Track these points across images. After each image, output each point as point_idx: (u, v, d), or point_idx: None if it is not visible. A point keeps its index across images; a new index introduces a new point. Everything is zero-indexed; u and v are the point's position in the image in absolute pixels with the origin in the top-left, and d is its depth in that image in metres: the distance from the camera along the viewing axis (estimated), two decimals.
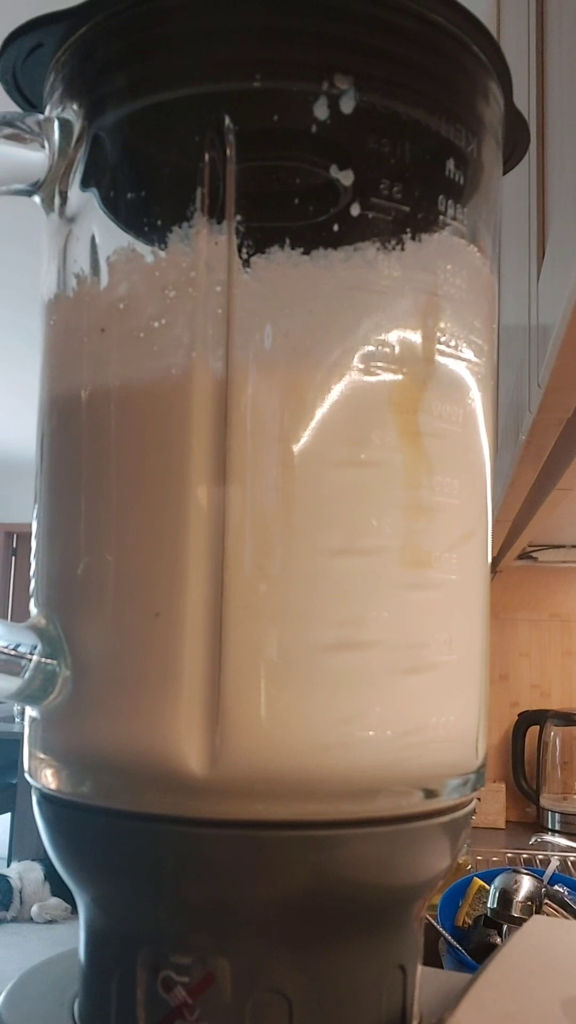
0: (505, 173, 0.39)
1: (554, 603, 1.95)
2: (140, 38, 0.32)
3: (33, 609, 0.34)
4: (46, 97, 0.35)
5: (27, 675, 0.31)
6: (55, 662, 0.31)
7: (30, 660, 0.31)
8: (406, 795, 0.31)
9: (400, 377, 0.31)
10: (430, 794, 0.31)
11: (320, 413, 0.30)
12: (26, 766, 0.34)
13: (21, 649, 0.31)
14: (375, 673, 0.30)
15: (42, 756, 0.33)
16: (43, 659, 0.31)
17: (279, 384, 0.30)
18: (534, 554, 1.60)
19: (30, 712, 0.33)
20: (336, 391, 0.30)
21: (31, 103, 0.36)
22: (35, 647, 0.31)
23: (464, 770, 0.33)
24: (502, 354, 0.83)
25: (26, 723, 0.34)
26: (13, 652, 0.31)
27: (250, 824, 0.29)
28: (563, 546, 1.58)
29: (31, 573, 0.35)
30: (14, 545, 6.78)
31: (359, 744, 0.29)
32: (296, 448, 0.29)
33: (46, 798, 0.33)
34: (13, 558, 6.79)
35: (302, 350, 0.30)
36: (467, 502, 0.33)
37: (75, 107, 0.33)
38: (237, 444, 0.29)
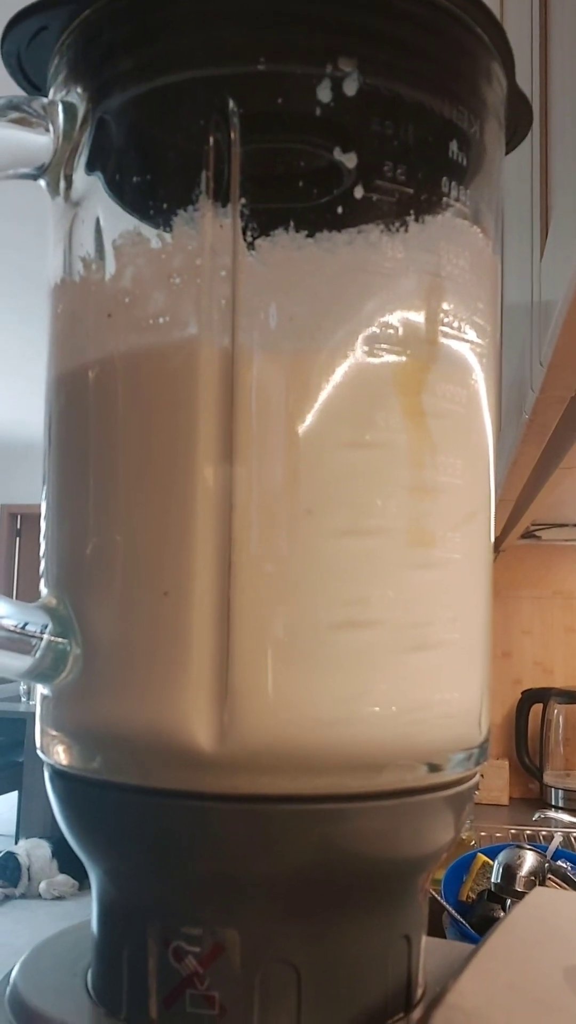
0: (508, 153, 0.39)
1: (557, 580, 1.95)
2: (144, 21, 0.33)
3: (43, 589, 0.34)
4: (50, 80, 0.35)
5: (38, 654, 0.31)
6: (66, 641, 0.31)
7: (41, 639, 0.31)
8: (411, 769, 0.31)
9: (404, 358, 0.31)
10: (434, 768, 0.32)
11: (325, 395, 0.30)
12: (38, 742, 0.34)
13: (32, 628, 0.31)
14: (380, 651, 0.30)
15: (54, 733, 0.33)
16: (54, 638, 0.31)
17: (284, 366, 0.30)
18: (537, 533, 1.60)
19: (42, 690, 0.34)
20: (341, 373, 0.30)
21: (35, 86, 0.36)
22: (46, 626, 0.31)
23: (468, 745, 0.33)
24: (504, 333, 0.83)
25: (38, 701, 0.35)
26: (24, 631, 0.31)
27: (258, 798, 0.30)
28: (566, 524, 1.58)
29: (41, 553, 0.35)
30: (18, 526, 6.80)
31: (364, 720, 0.30)
32: (301, 429, 0.30)
33: (58, 774, 0.33)
34: (18, 539, 6.81)
35: (307, 332, 0.31)
36: (471, 482, 0.33)
37: (79, 90, 0.33)
38: (243, 426, 0.30)
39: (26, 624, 0.31)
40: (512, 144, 0.39)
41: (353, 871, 0.31)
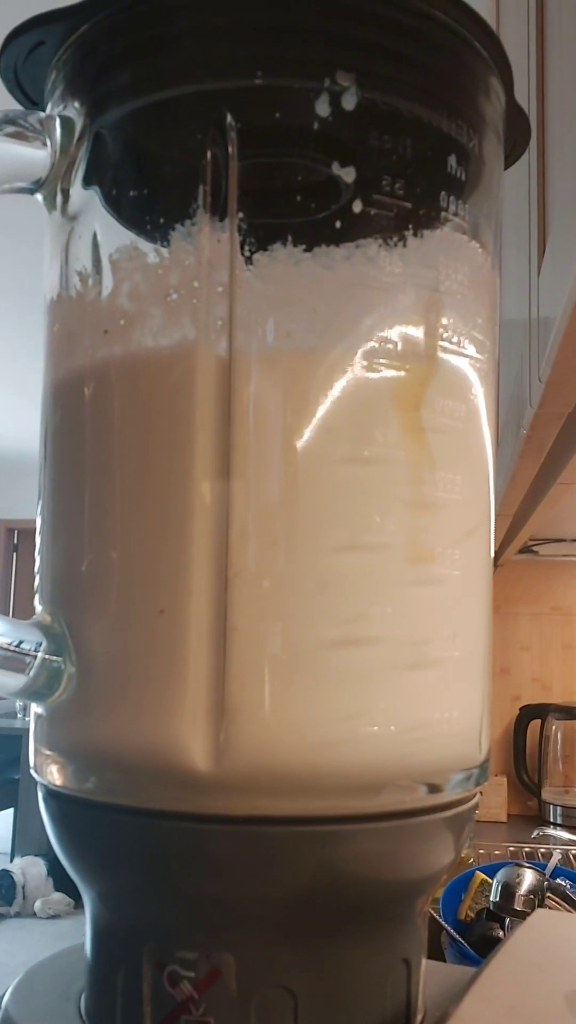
0: (506, 168, 0.39)
1: (555, 597, 1.95)
2: (142, 36, 0.32)
3: (38, 606, 0.34)
4: (47, 95, 0.35)
5: (32, 672, 0.31)
6: (60, 659, 0.31)
7: (35, 657, 0.31)
8: (410, 790, 0.31)
9: (403, 373, 0.31)
10: (434, 789, 0.31)
11: (323, 410, 0.30)
12: (32, 762, 0.34)
13: (26, 646, 0.31)
14: (379, 669, 0.30)
15: (48, 752, 0.33)
16: (48, 656, 0.31)
17: (282, 381, 0.30)
18: (535, 548, 1.60)
19: (36, 709, 0.33)
20: (339, 388, 0.30)
21: (32, 100, 0.36)
22: (40, 644, 0.31)
23: (468, 765, 0.33)
24: (503, 347, 0.83)
25: (31, 720, 0.34)
26: (18, 649, 0.31)
27: (255, 820, 0.29)
28: (564, 540, 1.58)
29: (35, 569, 0.35)
30: (15, 541, 6.78)
31: (363, 740, 0.29)
32: (299, 445, 0.29)
33: (52, 794, 0.33)
34: (14, 554, 6.79)
35: (305, 347, 0.30)
36: (470, 498, 0.33)
37: (76, 105, 0.33)
38: (240, 442, 0.29)
39: (21, 642, 0.31)
40: (511, 159, 0.39)
41: (351, 894, 0.30)
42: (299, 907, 0.30)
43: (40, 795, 0.34)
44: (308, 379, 0.30)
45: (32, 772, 0.34)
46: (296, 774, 0.29)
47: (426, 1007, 0.34)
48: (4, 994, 0.35)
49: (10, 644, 0.31)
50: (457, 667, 0.32)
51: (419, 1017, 0.33)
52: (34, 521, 0.35)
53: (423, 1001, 0.34)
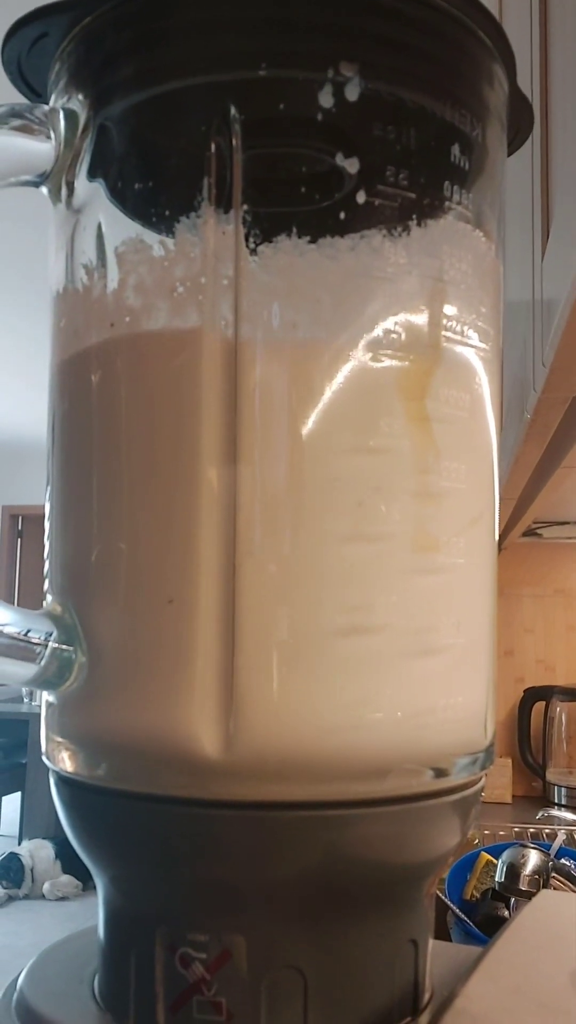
0: (509, 155, 0.39)
1: (559, 578, 1.95)
2: (145, 28, 0.32)
3: (48, 596, 0.34)
4: (51, 86, 0.35)
5: (43, 661, 0.31)
6: (71, 648, 0.31)
7: (46, 647, 0.31)
8: (416, 774, 0.31)
9: (407, 363, 0.31)
10: (440, 773, 0.32)
11: (328, 401, 0.30)
12: (43, 749, 0.34)
13: (36, 636, 0.31)
14: (385, 657, 0.30)
15: (59, 739, 0.33)
16: (59, 645, 0.31)
17: (288, 372, 0.30)
18: (539, 531, 1.60)
19: (47, 697, 0.34)
20: (344, 379, 0.30)
21: (36, 92, 0.36)
22: (51, 634, 0.31)
23: (473, 749, 0.33)
24: (507, 330, 0.83)
25: (43, 707, 0.35)
26: (26, 638, 0.31)
27: (263, 805, 0.30)
28: (568, 522, 1.58)
29: (45, 555, 0.35)
30: (20, 527, 6.80)
31: (370, 726, 0.30)
32: (305, 436, 0.30)
33: (63, 780, 0.33)
34: (19, 540, 6.81)
35: (310, 338, 0.31)
36: (474, 486, 0.33)
37: (80, 97, 0.33)
38: (247, 433, 0.30)
39: (29, 631, 0.31)
40: (514, 146, 0.39)
41: (359, 877, 0.31)
42: (308, 890, 0.30)
43: (52, 781, 0.34)
44: (313, 370, 0.30)
45: (44, 759, 0.34)
46: (304, 760, 0.29)
47: (433, 986, 0.34)
48: (18, 976, 0.36)
49: (19, 633, 0.31)
50: (462, 654, 0.33)
51: (426, 996, 0.34)
52: (39, 507, 0.36)
53: (430, 981, 0.34)
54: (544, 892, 0.38)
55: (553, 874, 1.09)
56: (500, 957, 0.32)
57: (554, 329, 0.53)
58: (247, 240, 0.30)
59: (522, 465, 0.92)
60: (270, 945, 0.30)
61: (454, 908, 1.13)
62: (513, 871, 1.05)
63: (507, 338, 0.84)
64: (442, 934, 1.13)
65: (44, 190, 0.34)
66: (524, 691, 1.90)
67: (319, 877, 0.30)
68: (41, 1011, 0.33)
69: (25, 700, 4.54)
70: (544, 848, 1.12)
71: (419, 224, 0.32)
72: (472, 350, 0.33)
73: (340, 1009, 0.31)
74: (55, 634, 0.31)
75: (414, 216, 0.32)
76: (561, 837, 1.26)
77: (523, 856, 1.07)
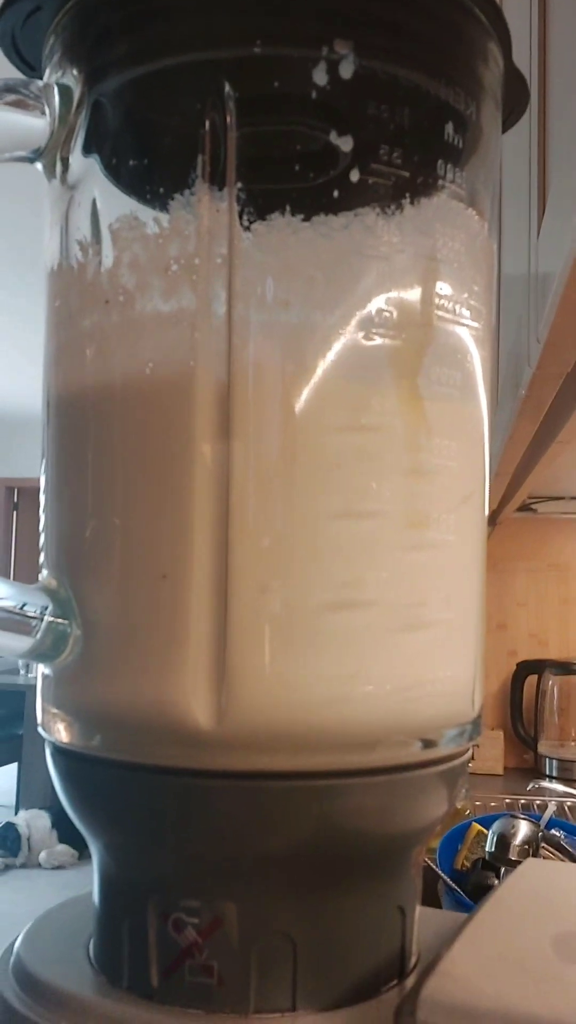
0: (504, 132, 0.39)
1: (552, 553, 1.96)
2: (140, 4, 0.32)
3: (43, 570, 0.34)
4: (44, 61, 0.35)
5: (39, 635, 0.32)
6: (66, 622, 0.32)
7: (41, 620, 0.32)
8: (405, 745, 0.32)
9: (400, 342, 0.32)
10: (428, 744, 0.32)
11: (321, 378, 0.30)
12: (39, 719, 0.35)
13: (32, 609, 0.32)
14: (375, 631, 0.31)
15: (55, 711, 0.34)
16: (54, 619, 0.32)
17: (280, 350, 0.30)
18: (533, 506, 1.61)
19: (43, 669, 0.34)
20: (336, 357, 0.31)
21: (31, 67, 0.36)
22: (46, 607, 0.32)
23: (461, 721, 0.34)
24: (503, 305, 0.83)
25: (38, 679, 0.35)
26: (21, 612, 0.32)
27: (255, 775, 0.30)
28: (562, 498, 1.59)
29: (40, 528, 0.36)
30: (15, 500, 6.79)
31: (359, 699, 0.31)
32: (298, 413, 0.30)
33: (59, 751, 0.34)
34: (15, 513, 6.80)
35: (303, 316, 0.31)
36: (465, 464, 0.34)
37: (75, 72, 0.33)
38: (240, 410, 0.30)
39: (24, 605, 0.32)
40: (509, 123, 0.39)
41: (349, 845, 0.31)
42: (298, 858, 0.31)
43: (48, 752, 0.35)
44: (306, 348, 0.31)
45: (40, 729, 0.35)
46: (295, 731, 0.30)
47: (420, 951, 0.35)
48: (15, 940, 0.37)
49: (15, 607, 0.32)
50: (451, 629, 0.33)
51: (413, 960, 0.35)
52: (35, 479, 0.36)
53: (417, 946, 0.35)
54: (529, 860, 0.39)
55: (543, 844, 1.11)
56: (484, 923, 0.33)
57: (549, 305, 0.53)
58: (241, 218, 0.30)
59: (517, 440, 0.92)
60: (261, 911, 0.31)
61: (445, 877, 1.14)
62: (503, 841, 1.07)
63: (503, 314, 0.84)
64: (433, 903, 1.15)
65: (39, 166, 0.34)
66: (517, 664, 1.91)
67: (309, 845, 0.31)
68: (37, 974, 0.33)
69: (21, 672, 4.56)
70: (534, 819, 1.13)
71: (412, 203, 0.32)
72: (464, 329, 0.34)
73: (329, 973, 0.32)
74: (50, 607, 0.32)
75: (407, 194, 0.32)
76: (551, 808, 1.28)
77: (513, 827, 1.08)
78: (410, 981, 0.34)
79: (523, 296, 0.69)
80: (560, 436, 0.88)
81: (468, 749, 0.35)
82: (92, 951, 0.35)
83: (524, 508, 1.60)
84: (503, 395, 0.86)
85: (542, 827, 1.13)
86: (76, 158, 0.33)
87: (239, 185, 0.30)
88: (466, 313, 0.34)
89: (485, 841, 1.12)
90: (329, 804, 0.31)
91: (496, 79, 0.36)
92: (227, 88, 0.30)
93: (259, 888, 0.31)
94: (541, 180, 0.62)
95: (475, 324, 0.34)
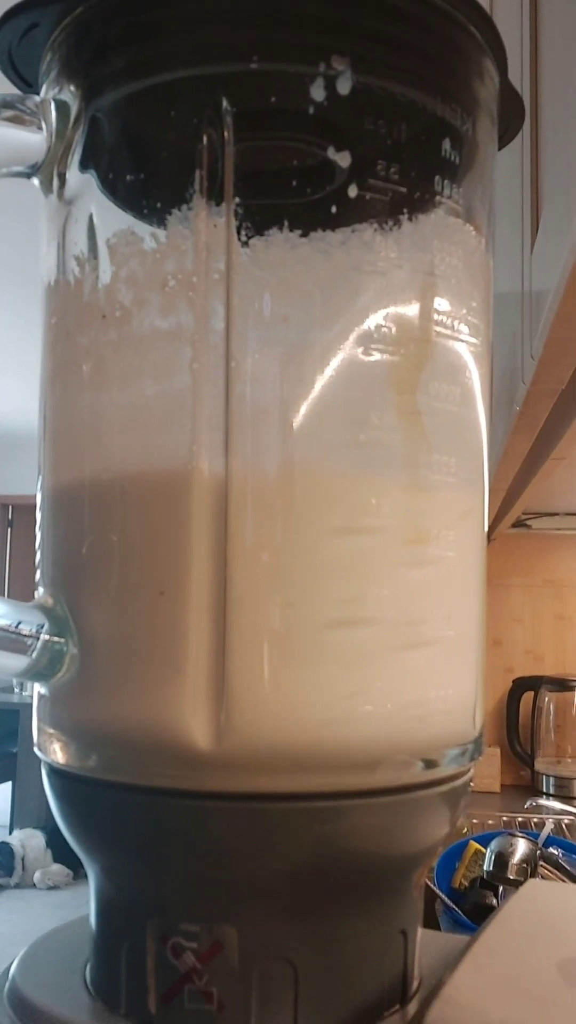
0: (500, 149, 0.39)
1: (548, 569, 1.96)
2: (137, 19, 0.32)
3: (40, 588, 0.34)
4: (41, 77, 0.35)
5: (35, 654, 0.31)
6: (63, 640, 0.32)
7: (37, 639, 0.31)
8: (407, 766, 0.31)
9: (398, 358, 0.31)
10: (430, 764, 0.32)
11: (319, 394, 0.30)
12: (35, 740, 0.35)
13: (28, 628, 0.31)
14: (376, 649, 0.31)
15: (50, 731, 0.33)
16: (50, 637, 0.31)
17: (279, 366, 0.30)
18: (528, 522, 1.61)
19: (39, 688, 0.34)
20: (335, 372, 0.30)
21: (27, 83, 0.36)
22: (42, 626, 0.31)
23: (462, 740, 0.34)
24: (497, 323, 0.83)
25: (34, 699, 0.35)
26: (16, 631, 0.31)
27: (255, 796, 0.30)
28: (557, 514, 1.59)
29: (36, 546, 0.35)
30: (10, 517, 6.77)
31: (360, 718, 0.30)
32: (296, 430, 0.30)
33: (55, 772, 0.33)
34: (9, 530, 6.78)
35: (301, 332, 0.31)
36: (464, 480, 0.33)
37: (72, 88, 0.33)
38: (239, 427, 0.30)
39: (20, 623, 0.31)
40: (504, 140, 0.39)
41: (350, 868, 0.31)
42: (299, 881, 0.30)
43: (44, 772, 0.34)
44: (305, 363, 0.30)
45: (35, 750, 0.35)
46: (295, 752, 0.30)
47: (422, 975, 0.35)
48: (10, 965, 0.36)
49: (10, 626, 0.31)
50: (452, 646, 0.33)
51: (415, 985, 0.34)
52: (30, 496, 0.36)
53: (419, 970, 0.35)
54: (532, 881, 0.38)
55: (541, 863, 1.10)
56: (488, 947, 0.33)
57: (543, 322, 0.53)
58: (239, 233, 0.30)
59: (511, 456, 0.92)
60: (261, 935, 0.31)
61: (443, 896, 1.13)
62: (501, 860, 1.06)
63: (497, 331, 0.84)
64: (431, 922, 1.14)
65: (36, 181, 0.34)
66: (513, 681, 1.91)
67: (310, 868, 0.30)
68: (33, 1000, 0.33)
69: (16, 690, 4.53)
70: (532, 837, 1.13)
71: (410, 218, 0.32)
72: (463, 344, 0.34)
73: (330, 998, 0.31)
74: (46, 626, 0.31)
75: (405, 210, 0.32)
76: (549, 826, 1.27)
77: (511, 845, 1.07)
78: (412, 1006, 0.33)
79: (516, 313, 0.69)
80: (554, 453, 0.88)
81: (470, 769, 0.35)
82: (89, 976, 0.34)
83: (519, 524, 1.60)
84: (497, 412, 0.86)
85: (540, 845, 1.12)
86: (73, 173, 0.33)
87: (237, 200, 0.30)
88: (464, 329, 0.34)
89: (483, 860, 1.11)
90: (330, 826, 0.30)
91: (492, 95, 0.36)
92: (224, 103, 0.30)
93: (259, 912, 0.31)
94: (534, 197, 0.62)
95: (473, 340, 0.34)
